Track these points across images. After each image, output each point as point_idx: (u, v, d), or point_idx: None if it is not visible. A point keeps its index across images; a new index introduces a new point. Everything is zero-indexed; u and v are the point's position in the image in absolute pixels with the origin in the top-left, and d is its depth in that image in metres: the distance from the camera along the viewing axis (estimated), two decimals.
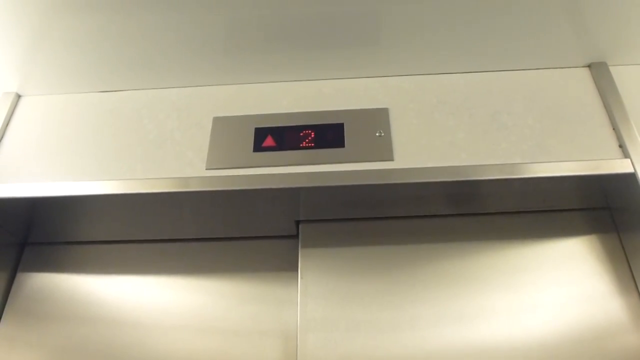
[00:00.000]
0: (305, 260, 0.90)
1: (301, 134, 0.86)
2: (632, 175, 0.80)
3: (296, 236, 0.93)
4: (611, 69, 0.91)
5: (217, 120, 0.89)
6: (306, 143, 0.85)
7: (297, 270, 0.89)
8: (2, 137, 0.92)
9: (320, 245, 0.92)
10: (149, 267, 0.96)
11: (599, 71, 0.91)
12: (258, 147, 0.85)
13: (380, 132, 0.85)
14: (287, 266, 0.92)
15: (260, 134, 0.86)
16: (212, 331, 0.89)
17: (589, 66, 0.92)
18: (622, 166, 0.81)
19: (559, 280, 0.86)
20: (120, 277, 0.96)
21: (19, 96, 0.97)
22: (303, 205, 0.88)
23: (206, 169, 0.84)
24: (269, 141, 0.86)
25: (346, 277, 0.88)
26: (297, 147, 0.85)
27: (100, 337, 0.90)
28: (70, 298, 0.94)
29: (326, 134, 0.85)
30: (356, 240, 0.92)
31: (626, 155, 0.82)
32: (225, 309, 0.91)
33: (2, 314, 0.93)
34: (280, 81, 0.93)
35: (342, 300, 0.86)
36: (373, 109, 0.89)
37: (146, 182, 0.83)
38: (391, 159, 0.83)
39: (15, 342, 0.91)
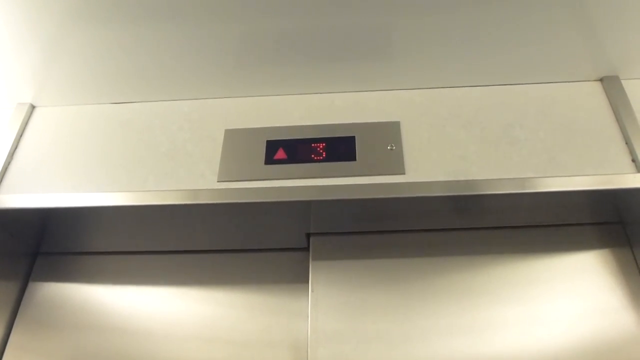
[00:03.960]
0: (316, 272, 0.90)
1: (312, 147, 0.86)
2: None
3: (307, 249, 0.93)
4: (624, 82, 0.90)
5: (228, 133, 0.90)
6: (317, 156, 0.85)
7: (308, 283, 0.89)
8: (16, 148, 0.93)
9: (331, 257, 0.91)
10: (160, 278, 0.97)
11: (612, 85, 0.90)
12: (269, 159, 0.85)
13: (392, 146, 0.85)
14: (298, 278, 0.92)
15: (272, 147, 0.87)
16: (222, 342, 0.89)
17: (601, 80, 0.92)
18: (635, 181, 0.80)
19: (571, 294, 0.86)
20: (131, 287, 0.97)
21: (33, 107, 0.98)
22: (314, 218, 0.88)
23: (218, 181, 0.84)
24: (280, 154, 0.86)
25: (357, 289, 0.88)
26: (309, 160, 0.85)
27: (111, 347, 0.90)
28: (81, 308, 0.95)
29: (338, 147, 0.85)
30: (367, 253, 0.92)
31: (639, 169, 0.81)
32: (235, 321, 0.91)
33: (13, 323, 0.94)
34: (292, 94, 0.94)
35: (353, 312, 0.86)
36: (384, 122, 0.89)
37: (158, 194, 0.84)
38: (402, 173, 0.83)
39: (27, 352, 0.92)
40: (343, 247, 0.92)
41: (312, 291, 0.88)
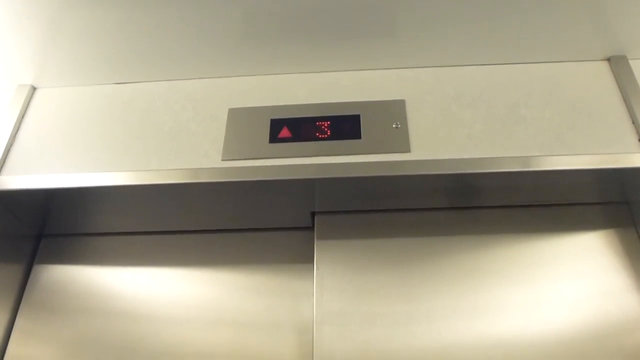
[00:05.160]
0: (321, 252, 0.90)
1: (317, 125, 0.85)
2: None
3: (312, 228, 0.93)
4: (631, 62, 0.90)
5: (232, 112, 0.89)
6: (322, 134, 0.85)
7: (313, 262, 0.89)
8: (17, 130, 0.92)
9: (336, 237, 0.91)
10: (164, 259, 0.96)
11: (619, 64, 0.90)
12: (274, 138, 0.85)
13: (397, 124, 0.85)
14: (303, 258, 0.92)
15: (276, 125, 0.86)
16: (227, 323, 0.89)
17: (608, 59, 0.91)
18: None
19: (576, 275, 0.86)
20: (135, 269, 0.96)
21: (34, 88, 0.97)
22: (319, 197, 0.88)
23: (222, 160, 0.84)
24: (284, 132, 0.85)
25: (362, 269, 0.88)
26: (313, 139, 0.84)
27: (115, 330, 0.90)
28: (85, 290, 0.95)
29: (342, 126, 0.85)
30: (372, 232, 0.91)
31: None
32: (240, 301, 0.91)
33: (19, 307, 0.94)
34: (297, 72, 0.93)
35: (358, 292, 0.86)
36: (390, 100, 0.88)
37: (162, 173, 0.83)
38: (408, 151, 0.82)
39: (32, 335, 0.91)
40: (348, 226, 0.92)
41: (317, 270, 0.88)
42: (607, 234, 0.89)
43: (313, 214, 0.93)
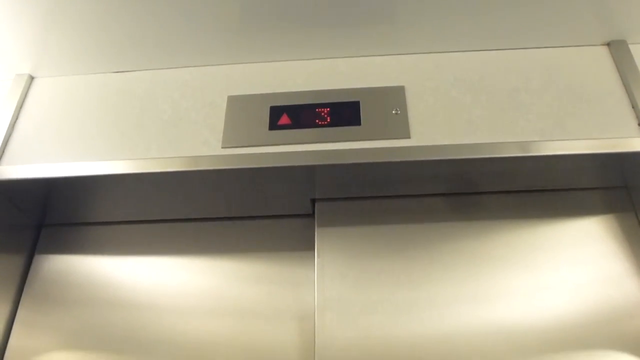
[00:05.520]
0: (322, 239, 0.90)
1: (317, 112, 0.85)
2: None
3: (312, 215, 0.93)
4: (631, 47, 0.89)
5: (232, 99, 0.89)
6: (322, 121, 0.84)
7: (314, 250, 0.89)
8: (16, 119, 0.92)
9: (336, 224, 0.91)
10: (164, 247, 0.97)
11: (619, 49, 0.89)
12: (274, 125, 0.85)
13: (397, 110, 0.85)
14: (303, 245, 0.92)
15: (276, 112, 0.86)
16: (228, 311, 0.89)
17: (608, 44, 0.91)
18: None
19: (576, 261, 0.86)
20: (136, 258, 0.97)
21: (32, 78, 0.97)
22: (319, 184, 0.88)
23: (222, 148, 0.84)
24: (284, 119, 0.85)
25: (363, 256, 0.88)
26: (313, 125, 0.84)
27: (116, 320, 0.90)
28: (86, 280, 0.95)
29: (342, 112, 0.85)
30: (372, 219, 0.91)
31: None
32: (240, 289, 0.91)
33: (20, 297, 0.94)
34: (296, 59, 0.92)
35: (359, 279, 0.86)
36: (389, 86, 0.88)
37: (162, 161, 0.83)
38: (408, 137, 0.82)
39: (34, 326, 0.91)
40: (349, 213, 0.92)
41: (318, 257, 0.88)
42: (607, 219, 0.89)
43: (313, 201, 0.93)
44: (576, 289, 0.83)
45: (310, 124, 0.84)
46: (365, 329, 0.82)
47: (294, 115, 0.85)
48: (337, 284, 0.85)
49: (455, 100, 0.86)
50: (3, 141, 0.88)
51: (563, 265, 0.86)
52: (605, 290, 0.83)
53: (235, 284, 0.92)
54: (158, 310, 0.90)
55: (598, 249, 0.87)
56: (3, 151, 0.88)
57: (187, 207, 0.95)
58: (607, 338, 0.80)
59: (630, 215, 0.89)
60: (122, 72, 0.95)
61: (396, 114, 0.84)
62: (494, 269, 0.86)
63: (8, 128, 0.90)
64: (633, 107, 0.84)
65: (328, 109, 0.85)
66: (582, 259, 0.86)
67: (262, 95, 0.89)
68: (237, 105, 0.88)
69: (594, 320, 0.81)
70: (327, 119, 0.84)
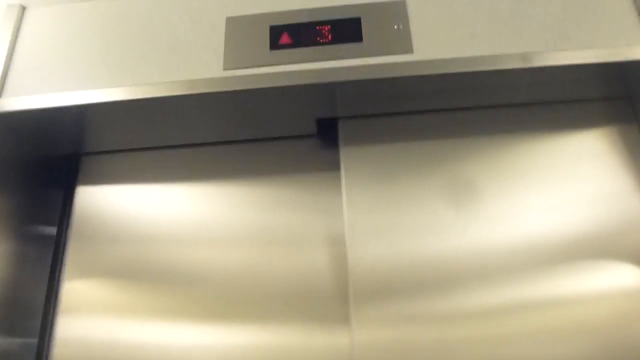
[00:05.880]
0: (347, 159, 0.89)
1: (317, 30, 0.84)
2: None
3: (316, 135, 0.94)
4: None
5: (230, 20, 0.87)
6: (323, 39, 0.83)
7: (319, 171, 0.91)
8: (13, 52, 0.90)
9: (358, 143, 0.91)
10: (179, 174, 0.97)
11: None
12: (274, 45, 0.83)
13: (399, 25, 0.83)
14: (308, 167, 0.94)
15: (276, 32, 0.84)
16: (252, 242, 0.90)
17: None
18: None
19: (576, 176, 0.87)
20: (145, 186, 0.98)
21: (23, 8, 0.94)
22: (340, 102, 0.87)
23: (224, 70, 0.83)
24: (285, 39, 0.84)
25: (388, 176, 0.88)
26: (315, 44, 0.83)
27: (138, 256, 0.92)
28: (98, 213, 0.97)
29: (343, 29, 0.83)
30: (394, 136, 0.91)
31: None
32: (265, 219, 0.91)
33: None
34: None
35: (384, 198, 0.86)
36: (390, 2, 0.85)
37: (165, 85, 0.83)
38: (410, 52, 0.81)
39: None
40: (375, 130, 0.92)
41: (346, 178, 0.88)
42: (608, 132, 0.89)
43: (318, 121, 0.93)
44: (577, 207, 0.84)
45: (311, 42, 0.83)
46: (398, 250, 0.83)
47: (294, 34, 0.84)
48: (365, 204, 0.86)
49: (458, 13, 0.84)
50: (1, 75, 0.87)
51: (565, 181, 0.86)
52: (607, 207, 0.84)
53: (255, 213, 0.91)
54: (178, 243, 0.91)
55: (598, 165, 0.87)
56: (2, 85, 0.87)
57: (204, 131, 0.96)
58: (608, 255, 0.81)
59: (633, 127, 0.89)
60: None
61: (398, 29, 0.83)
62: (497, 189, 0.86)
63: (5, 60, 0.88)
64: (639, 15, 0.82)
65: (329, 27, 0.84)
66: (583, 175, 0.87)
67: (261, 15, 0.87)
68: (236, 26, 0.86)
69: (594, 238, 0.82)
70: (328, 37, 0.83)
